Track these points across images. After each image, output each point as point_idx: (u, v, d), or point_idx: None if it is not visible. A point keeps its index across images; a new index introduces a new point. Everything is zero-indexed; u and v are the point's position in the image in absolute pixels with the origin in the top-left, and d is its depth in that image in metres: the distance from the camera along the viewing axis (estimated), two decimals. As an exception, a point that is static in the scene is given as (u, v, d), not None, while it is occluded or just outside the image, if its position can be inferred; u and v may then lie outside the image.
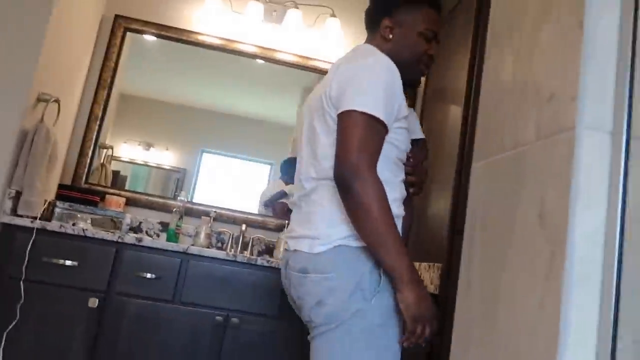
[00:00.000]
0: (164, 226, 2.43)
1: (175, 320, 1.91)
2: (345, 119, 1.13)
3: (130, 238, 1.95)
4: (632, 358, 0.62)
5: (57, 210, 2.17)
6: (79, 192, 2.32)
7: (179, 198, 2.38)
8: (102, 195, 2.40)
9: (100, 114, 2.53)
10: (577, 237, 0.64)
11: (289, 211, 1.39)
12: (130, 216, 2.39)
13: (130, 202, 2.48)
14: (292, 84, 2.84)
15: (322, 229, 1.18)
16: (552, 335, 0.63)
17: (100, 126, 2.54)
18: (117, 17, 2.62)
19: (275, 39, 2.76)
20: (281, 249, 2.35)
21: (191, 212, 2.49)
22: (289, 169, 2.65)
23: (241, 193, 2.70)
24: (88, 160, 2.49)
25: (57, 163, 2.19)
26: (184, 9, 2.72)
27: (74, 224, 2.06)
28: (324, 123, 1.21)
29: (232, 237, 2.46)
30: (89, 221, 2.13)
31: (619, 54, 0.67)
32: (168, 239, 2.26)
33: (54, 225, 1.91)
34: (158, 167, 2.68)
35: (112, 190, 2.49)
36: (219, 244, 2.49)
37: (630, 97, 0.66)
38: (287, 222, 2.38)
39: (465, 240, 0.97)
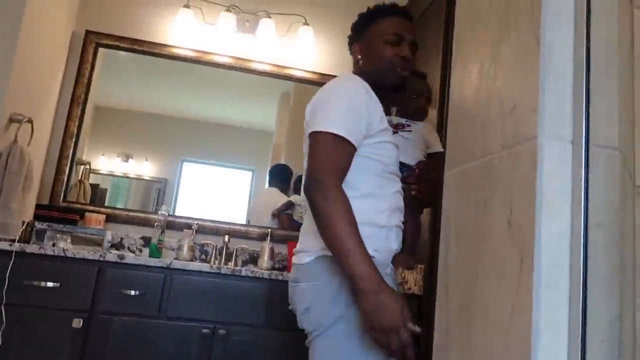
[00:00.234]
0: (146, 241, 2.42)
1: (162, 335, 1.91)
2: (312, 140, 1.24)
3: (112, 256, 1.94)
4: (601, 356, 0.65)
5: (35, 231, 2.14)
6: (57, 211, 2.30)
7: (160, 212, 2.37)
8: (82, 213, 2.38)
9: (75, 131, 2.51)
10: (544, 243, 0.67)
11: (293, 221, 1.46)
12: (111, 233, 2.37)
13: (110, 219, 2.46)
14: (270, 90, 2.85)
15: (308, 241, 1.27)
16: (524, 339, 0.66)
17: (76, 143, 2.52)
18: (88, 32, 2.60)
19: (249, 49, 2.76)
20: (265, 258, 2.36)
21: (173, 225, 2.48)
22: (279, 175, 2.67)
23: (224, 202, 2.71)
24: (65, 178, 2.47)
25: (33, 183, 2.16)
26: (156, 23, 2.71)
27: (53, 245, 2.04)
28: (306, 147, 1.31)
29: (216, 249, 2.45)
30: (69, 240, 2.11)
31: (575, 67, 0.71)
32: (151, 254, 2.26)
33: (33, 248, 1.89)
34: (138, 179, 2.66)
35: (91, 208, 2.47)
36: (203, 256, 2.49)
37: (588, 106, 0.69)
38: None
39: (442, 246, 0.99)
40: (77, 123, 2.51)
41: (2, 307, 1.80)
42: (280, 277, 2.01)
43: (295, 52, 2.80)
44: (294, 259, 1.32)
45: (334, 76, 2.76)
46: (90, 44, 2.58)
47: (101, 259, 1.92)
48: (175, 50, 2.68)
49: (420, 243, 1.95)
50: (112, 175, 2.63)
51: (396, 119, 1.79)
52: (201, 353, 1.92)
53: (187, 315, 1.94)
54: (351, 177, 1.24)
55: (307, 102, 3.04)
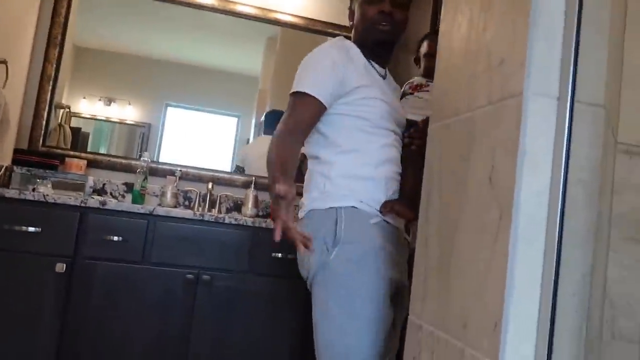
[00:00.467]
0: (129, 187, 2.40)
1: (146, 280, 1.93)
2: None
3: (94, 202, 1.92)
4: (570, 309, 0.67)
5: (14, 175, 2.11)
6: (36, 155, 2.26)
7: (142, 158, 2.34)
8: (62, 158, 2.34)
9: (53, 73, 2.42)
10: (523, 200, 0.68)
11: (302, 175, 1.52)
12: (93, 178, 2.35)
13: (92, 164, 2.42)
14: (256, 34, 2.76)
15: (304, 197, 1.42)
16: (498, 291, 0.68)
17: (54, 86, 2.44)
18: (63, -32, 2.46)
19: (234, -10, 2.65)
20: (249, 206, 2.37)
21: (156, 171, 2.46)
22: (275, 122, 2.62)
23: (209, 148, 2.68)
24: (44, 122, 2.40)
25: (9, 127, 2.11)
26: (135, -41, 2.57)
27: (33, 190, 2.01)
28: None
29: (200, 196, 2.45)
30: (49, 186, 2.09)
31: (565, 22, 0.69)
32: (133, 201, 2.25)
33: (12, 192, 1.86)
34: (121, 123, 2.62)
35: (72, 153, 2.43)
36: (187, 203, 2.49)
37: (576, 63, 0.68)
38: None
39: (423, 199, 1.00)
40: (54, 65, 2.42)
41: (-16, 251, 1.79)
42: (263, 225, 2.03)
43: (282, -5, 2.70)
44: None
45: (321, 21, 2.72)
46: (66, -20, 2.45)
47: (83, 204, 1.91)
48: (157, -11, 2.56)
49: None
50: (94, 118, 2.58)
51: (418, 79, 1.78)
52: (186, 298, 1.95)
53: (171, 261, 1.96)
54: (333, 135, 1.38)
55: (293, 47, 2.98)
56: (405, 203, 1.41)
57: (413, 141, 1.47)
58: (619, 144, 0.88)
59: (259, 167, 2.55)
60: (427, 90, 1.73)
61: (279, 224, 1.20)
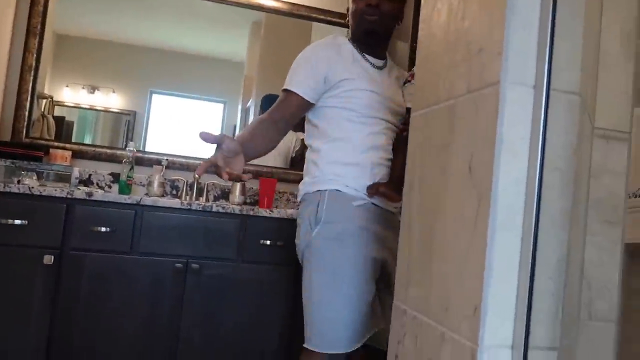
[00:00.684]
0: (115, 177, 2.39)
1: (135, 270, 1.94)
2: None
3: (80, 193, 1.92)
4: (546, 293, 0.69)
5: (-1, 168, 2.09)
6: (20, 147, 2.23)
7: (128, 148, 2.33)
8: (46, 150, 2.32)
9: (33, 63, 2.38)
10: (501, 187, 0.69)
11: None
12: (79, 169, 2.33)
13: (77, 155, 2.40)
14: (241, 19, 2.73)
15: (300, 183, 1.56)
16: (478, 275, 0.70)
17: (35, 76, 2.40)
18: (40, -46, 2.41)
19: (216, -25, 2.62)
20: (236, 194, 2.37)
21: (142, 161, 2.45)
22: (270, 104, 2.59)
23: (195, 135, 2.65)
24: (26, 114, 2.37)
25: (-8, 118, 2.08)
26: (114, -56, 2.53)
27: (18, 182, 2.00)
28: None
29: (187, 184, 2.45)
30: (34, 178, 2.07)
31: (541, 11, 0.70)
32: (120, 191, 2.24)
33: (-3, 185, 1.85)
34: (106, 111, 2.59)
35: (56, 144, 2.40)
36: (174, 192, 2.49)
37: (551, 52, 0.70)
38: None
39: (406, 185, 1.02)
40: (34, 55, 2.38)
41: (-30, 245, 1.78)
42: (251, 212, 2.04)
43: (265, -21, 2.67)
44: None
45: (305, 6, 2.70)
46: (44, -33, 2.40)
47: (69, 196, 1.90)
48: (137, -24, 2.52)
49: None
50: (78, 107, 2.55)
51: None
52: (175, 287, 1.96)
53: (160, 251, 1.96)
54: (323, 126, 1.51)
55: (278, 33, 2.96)
56: (392, 186, 1.46)
57: (405, 127, 1.50)
58: (596, 129, 0.90)
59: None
60: None
61: (205, 162, 1.25)
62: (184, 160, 2.53)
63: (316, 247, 1.45)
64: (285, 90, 1.51)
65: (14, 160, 2.12)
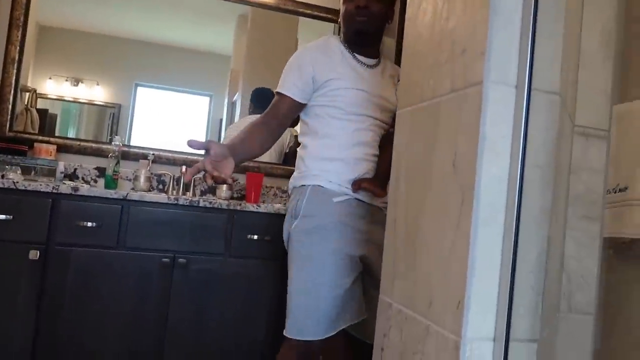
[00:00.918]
0: (101, 171, 2.38)
1: (122, 265, 1.93)
2: None
3: (66, 188, 1.90)
4: (527, 286, 0.72)
5: (-18, 162, 2.06)
6: (4, 141, 2.21)
7: (113, 142, 2.31)
8: (31, 144, 2.30)
9: (17, 56, 2.36)
10: (483, 185, 0.71)
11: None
12: (64, 164, 2.31)
13: (61, 149, 2.38)
14: (227, 11, 2.72)
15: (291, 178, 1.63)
16: (461, 270, 0.72)
17: (18, 69, 2.37)
18: (22, -55, 2.37)
19: (203, -32, 2.60)
20: (223, 188, 2.38)
21: (128, 155, 2.44)
22: (262, 100, 2.58)
23: (180, 128, 2.66)
24: (10, 107, 2.35)
25: (-25, 112, 2.05)
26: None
27: (2, 176, 1.98)
28: None
29: (173, 179, 2.45)
30: (19, 172, 2.05)
31: (523, 13, 0.71)
32: (106, 186, 2.23)
33: (-19, 180, 1.83)
34: (90, 104, 2.57)
35: (41, 138, 2.38)
36: (160, 186, 2.48)
37: (532, 52, 0.71)
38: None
39: (391, 182, 1.03)
40: (18, 47, 2.35)
41: (-46, 240, 1.77)
42: (238, 207, 2.05)
43: (252, -27, 2.66)
44: None
45: (292, 1, 2.69)
46: (26, -43, 2.37)
47: (55, 190, 1.88)
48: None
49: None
50: (61, 99, 2.52)
51: None
52: (162, 282, 1.97)
53: (147, 246, 1.96)
54: (312, 123, 1.57)
55: (265, 26, 2.96)
56: (376, 181, 1.49)
57: (394, 123, 1.52)
58: (576, 126, 0.92)
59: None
60: None
61: (193, 168, 1.32)
62: (170, 154, 2.52)
63: (293, 239, 1.52)
64: (277, 93, 1.58)
65: (-2, 155, 2.10)
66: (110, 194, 1.95)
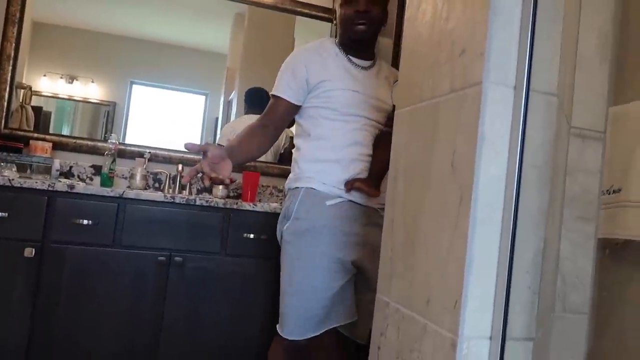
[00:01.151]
0: (97, 169, 2.37)
1: (118, 264, 1.93)
2: None
3: (61, 185, 1.90)
4: (524, 285, 0.72)
5: (-23, 159, 2.05)
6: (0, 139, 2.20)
7: (109, 140, 2.30)
8: (26, 141, 2.29)
9: (12, 53, 2.35)
10: (481, 185, 0.72)
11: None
12: (60, 161, 2.30)
13: (57, 146, 2.38)
14: (224, 9, 2.72)
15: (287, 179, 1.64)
16: (459, 269, 0.73)
17: (14, 65, 2.36)
18: (19, -59, 2.36)
19: (200, -33, 2.60)
20: (220, 187, 2.37)
21: (124, 153, 2.44)
22: (257, 100, 2.59)
23: (176, 127, 2.65)
24: (5, 104, 2.34)
25: (-30, 109, 2.04)
26: None
27: (-2, 174, 1.97)
28: None
29: (169, 177, 2.44)
30: (14, 169, 2.04)
31: (522, 14, 0.72)
32: (102, 184, 2.22)
33: (-24, 177, 1.82)
34: (85, 101, 2.56)
35: (36, 135, 2.37)
36: (156, 185, 2.47)
37: (531, 53, 0.72)
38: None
39: (389, 181, 1.04)
40: (13, 44, 2.34)
41: (-52, 237, 1.76)
42: (234, 206, 2.05)
43: (249, -28, 2.66)
44: None
45: (289, 0, 2.69)
46: (23, -46, 2.36)
47: (50, 188, 1.88)
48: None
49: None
50: (56, 97, 2.51)
51: None
52: (158, 280, 1.97)
53: (143, 244, 1.96)
54: (306, 125, 1.58)
55: (262, 24, 2.96)
56: (369, 180, 1.49)
57: (387, 123, 1.53)
58: (573, 128, 0.93)
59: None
60: None
61: (191, 170, 1.38)
62: (166, 153, 2.52)
63: (285, 240, 1.55)
64: (273, 96, 1.60)
65: (-7, 152, 2.09)
66: (106, 192, 1.94)
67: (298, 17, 2.76)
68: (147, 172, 2.39)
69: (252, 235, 2.05)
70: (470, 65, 0.75)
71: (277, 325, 1.54)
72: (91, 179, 2.38)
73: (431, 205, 0.83)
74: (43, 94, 2.49)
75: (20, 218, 1.85)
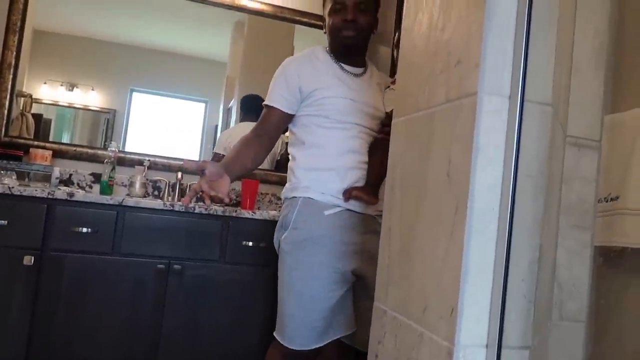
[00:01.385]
0: (96, 177, 2.38)
1: (117, 272, 1.93)
2: None
3: (61, 193, 1.90)
4: (519, 293, 0.73)
5: (-23, 167, 2.06)
6: (0, 147, 2.21)
7: (109, 148, 2.31)
8: (26, 149, 2.30)
9: (13, 61, 2.36)
10: (476, 194, 0.72)
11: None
12: (59, 169, 2.31)
13: (57, 154, 2.38)
14: (223, 17, 2.74)
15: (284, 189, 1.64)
16: (454, 278, 0.73)
17: (15, 74, 2.38)
18: (20, -49, 2.38)
19: (200, -24, 2.62)
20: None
21: (124, 161, 2.44)
22: (253, 107, 2.59)
23: (176, 134, 2.66)
24: (6, 112, 2.35)
25: (-29, 117, 2.05)
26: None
27: (-2, 182, 1.98)
28: None
29: (169, 185, 2.45)
30: (14, 177, 2.05)
31: (517, 25, 0.73)
32: (102, 191, 2.23)
33: (-24, 185, 1.83)
34: (85, 109, 2.57)
35: (36, 143, 2.38)
36: (156, 192, 2.48)
37: (525, 64, 0.73)
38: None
39: (387, 190, 1.04)
40: (14, 52, 2.36)
41: (-53, 245, 1.76)
42: (233, 214, 2.05)
43: (249, -19, 2.68)
44: None
45: (288, 9, 2.71)
46: (25, -36, 2.38)
47: (50, 196, 1.88)
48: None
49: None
50: (56, 105, 2.52)
51: None
52: (157, 288, 1.97)
53: (142, 252, 1.96)
54: (300, 134, 1.58)
55: (261, 33, 2.98)
56: (367, 188, 1.50)
57: (382, 130, 1.54)
58: (568, 137, 0.94)
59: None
60: None
61: (191, 191, 1.39)
62: (165, 160, 2.52)
63: (282, 249, 1.54)
64: (266, 106, 1.59)
65: (-7, 160, 2.10)
66: (106, 199, 1.95)
67: (297, 26, 2.78)
68: (147, 179, 2.40)
69: (251, 243, 2.05)
70: (465, 75, 0.76)
71: (275, 332, 1.54)
72: (91, 187, 2.39)
73: (427, 214, 0.84)
74: (43, 101, 2.51)
75: (20, 226, 1.86)
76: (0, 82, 2.34)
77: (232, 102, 2.76)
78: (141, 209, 1.98)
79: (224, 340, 2.02)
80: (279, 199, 2.59)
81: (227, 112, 2.76)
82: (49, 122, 2.53)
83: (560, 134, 0.88)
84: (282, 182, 1.63)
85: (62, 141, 2.50)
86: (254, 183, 2.36)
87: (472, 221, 0.72)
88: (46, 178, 2.22)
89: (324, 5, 1.66)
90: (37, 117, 2.49)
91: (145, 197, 2.35)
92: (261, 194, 2.59)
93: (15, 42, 2.36)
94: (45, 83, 2.51)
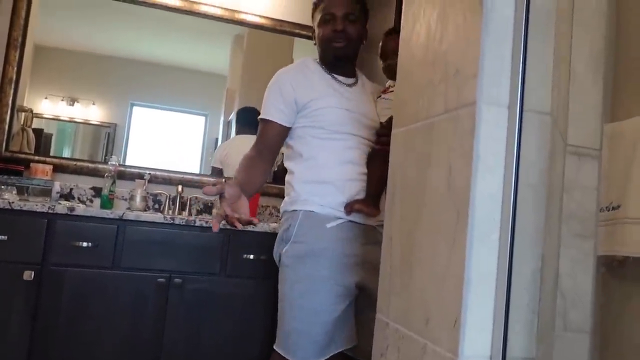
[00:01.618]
0: (97, 191, 2.38)
1: (117, 286, 1.92)
2: None
3: (61, 208, 1.90)
4: (522, 303, 0.72)
5: (-23, 182, 2.06)
6: (1, 162, 2.21)
7: (110, 162, 2.32)
8: (27, 164, 2.30)
9: (14, 77, 2.37)
10: (477, 202, 0.72)
11: None
12: (60, 183, 2.31)
13: (57, 169, 2.39)
14: (223, 31, 2.76)
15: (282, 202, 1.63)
16: (457, 287, 0.72)
17: (16, 89, 2.39)
18: (22, -32, 2.41)
19: (199, -10, 2.65)
20: (218, 204, 2.37)
21: (124, 175, 2.45)
22: (249, 120, 2.60)
23: (176, 148, 2.67)
24: (7, 127, 2.36)
25: (-29, 133, 2.06)
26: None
27: (-2, 197, 1.98)
28: None
29: (169, 198, 2.45)
30: (14, 192, 2.05)
31: (514, 35, 0.73)
32: (102, 206, 2.23)
33: (-24, 200, 1.83)
34: (85, 123, 2.58)
35: (37, 158, 2.38)
36: (156, 206, 2.48)
37: (524, 74, 0.73)
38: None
39: (388, 200, 1.04)
40: (15, 68, 2.37)
41: (-53, 261, 1.75)
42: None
43: (248, -5, 2.71)
44: None
45: (287, 22, 2.73)
46: (25, -20, 2.40)
47: (50, 211, 1.88)
48: (119, -10, 2.53)
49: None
50: (57, 119, 2.53)
51: (390, 82, 1.82)
52: (158, 302, 1.96)
53: (142, 266, 1.95)
54: (297, 146, 1.56)
55: (261, 46, 2.99)
56: (368, 200, 1.49)
57: (379, 139, 1.53)
58: (569, 146, 0.94)
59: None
60: (392, 91, 1.78)
61: (216, 217, 1.35)
62: (166, 174, 2.53)
63: (283, 263, 1.52)
64: (262, 120, 1.58)
65: (-6, 175, 2.10)
66: (106, 213, 1.94)
67: (296, 39, 2.80)
68: (147, 193, 2.40)
69: (251, 256, 2.04)
70: (463, 85, 0.76)
71: (275, 345, 1.52)
72: (91, 201, 2.38)
73: (428, 224, 0.83)
74: (44, 116, 2.52)
75: (20, 241, 1.85)
76: (1, 97, 2.35)
77: (232, 115, 2.77)
78: (142, 222, 1.97)
79: (225, 354, 2.01)
80: (279, 211, 2.59)
81: (228, 125, 2.77)
82: (49, 136, 2.53)
83: (560, 142, 0.88)
84: (281, 195, 1.63)
85: (63, 156, 2.51)
86: (254, 196, 2.36)
87: (474, 231, 0.71)
88: (46, 193, 2.22)
89: (313, 17, 1.66)
90: (38, 132, 2.50)
91: (145, 210, 2.35)
92: (261, 206, 2.59)
93: (17, 57, 2.37)
94: (46, 98, 2.52)
